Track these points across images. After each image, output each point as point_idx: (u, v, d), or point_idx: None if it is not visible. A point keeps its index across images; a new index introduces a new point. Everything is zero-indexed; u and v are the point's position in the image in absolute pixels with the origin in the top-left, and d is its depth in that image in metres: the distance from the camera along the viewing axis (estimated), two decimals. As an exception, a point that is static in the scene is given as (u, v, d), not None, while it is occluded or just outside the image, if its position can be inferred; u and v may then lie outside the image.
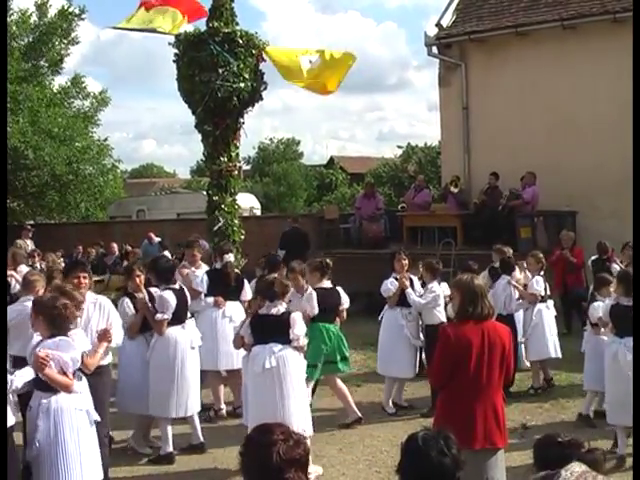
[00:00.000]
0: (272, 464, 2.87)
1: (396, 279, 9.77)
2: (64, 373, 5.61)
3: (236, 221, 12.25)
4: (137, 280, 8.35)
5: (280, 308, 7.38)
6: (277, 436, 2.95)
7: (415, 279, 10.01)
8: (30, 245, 19.31)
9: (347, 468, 7.69)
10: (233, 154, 12.28)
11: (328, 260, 9.29)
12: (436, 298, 9.66)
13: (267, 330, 7.42)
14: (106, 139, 30.16)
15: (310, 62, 11.99)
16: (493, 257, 11.44)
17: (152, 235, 20.72)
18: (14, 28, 27.29)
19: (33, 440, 5.66)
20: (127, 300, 8.30)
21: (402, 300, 9.69)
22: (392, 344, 9.73)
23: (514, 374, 5.75)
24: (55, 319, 5.76)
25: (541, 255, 10.94)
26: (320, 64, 11.99)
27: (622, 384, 7.37)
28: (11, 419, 5.58)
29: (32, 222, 29.89)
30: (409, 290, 9.63)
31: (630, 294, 7.59)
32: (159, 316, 8.09)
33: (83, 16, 29.14)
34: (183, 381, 8.10)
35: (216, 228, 11.98)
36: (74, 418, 5.66)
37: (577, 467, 2.63)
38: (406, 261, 9.90)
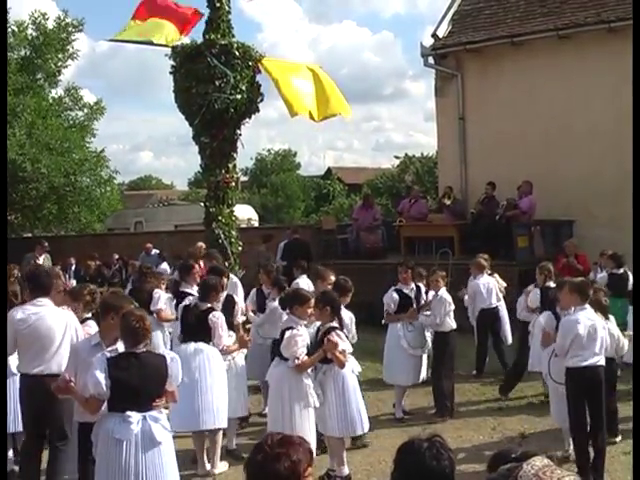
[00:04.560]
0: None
1: (398, 292, 9.84)
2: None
3: (234, 232, 12.26)
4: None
5: (287, 322, 7.34)
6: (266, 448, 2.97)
7: (423, 288, 10.08)
8: (45, 261, 18.82)
9: (346, 478, 7.69)
10: (230, 165, 12.29)
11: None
12: (447, 306, 9.75)
13: (277, 344, 7.50)
14: (102, 150, 30.23)
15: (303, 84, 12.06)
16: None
17: (150, 246, 20.72)
18: (11, 39, 27.37)
19: None
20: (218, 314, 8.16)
21: (400, 311, 9.81)
22: (393, 354, 9.83)
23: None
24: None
25: (550, 267, 10.84)
26: (314, 91, 12.06)
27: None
28: None
29: (30, 235, 29.91)
30: (422, 317, 9.73)
31: None
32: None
33: (80, 28, 29.30)
34: None
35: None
36: (102, 445, 5.61)
37: (538, 461, 2.67)
38: (409, 273, 9.95)
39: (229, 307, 8.70)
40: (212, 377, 7.89)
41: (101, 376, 5.46)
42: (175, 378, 5.77)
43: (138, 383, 5.54)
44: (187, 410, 7.72)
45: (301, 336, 7.12)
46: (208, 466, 8.00)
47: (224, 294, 8.77)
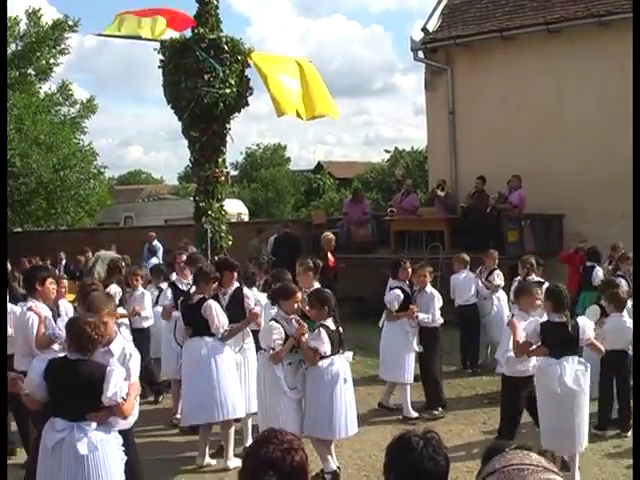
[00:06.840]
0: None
1: (401, 290, 9.63)
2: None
3: (223, 227, 12.23)
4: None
5: (274, 315, 7.43)
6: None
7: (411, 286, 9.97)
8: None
9: (336, 473, 7.68)
10: (220, 160, 12.26)
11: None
12: (438, 301, 9.71)
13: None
14: (90, 143, 30.21)
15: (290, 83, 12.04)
16: None
17: (153, 235, 20.58)
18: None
19: None
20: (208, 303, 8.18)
21: (404, 308, 9.59)
22: (398, 351, 9.59)
23: None
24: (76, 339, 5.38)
25: (532, 261, 10.87)
26: (301, 91, 12.04)
27: (561, 409, 6.88)
28: None
29: (19, 230, 29.81)
30: (422, 315, 9.55)
31: (560, 310, 7.06)
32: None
33: (76, 28, 29.37)
34: None
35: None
36: (40, 452, 5.46)
37: (508, 455, 2.62)
38: (410, 269, 9.77)
39: (237, 299, 8.67)
40: (222, 369, 7.96)
41: (36, 375, 5.32)
42: (109, 391, 5.20)
43: (66, 390, 5.27)
44: (202, 403, 7.86)
45: (278, 328, 7.15)
46: (207, 459, 8.06)
47: (234, 287, 8.82)
